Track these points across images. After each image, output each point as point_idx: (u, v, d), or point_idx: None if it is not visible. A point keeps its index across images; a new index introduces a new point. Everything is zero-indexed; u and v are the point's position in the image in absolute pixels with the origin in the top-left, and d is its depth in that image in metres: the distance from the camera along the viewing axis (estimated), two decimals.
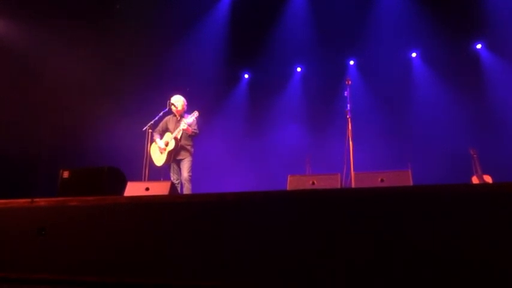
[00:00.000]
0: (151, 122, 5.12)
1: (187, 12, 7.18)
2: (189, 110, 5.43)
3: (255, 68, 8.19)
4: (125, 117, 6.42)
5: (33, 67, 6.00)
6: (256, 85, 8.23)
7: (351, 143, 4.45)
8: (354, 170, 4.17)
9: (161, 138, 5.31)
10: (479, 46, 7.04)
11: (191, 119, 5.13)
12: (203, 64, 7.49)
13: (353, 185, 3.47)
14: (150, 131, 5.10)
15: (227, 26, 7.68)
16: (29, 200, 2.74)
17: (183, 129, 5.10)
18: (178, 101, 5.35)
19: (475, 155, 5.47)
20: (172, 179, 5.16)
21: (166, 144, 5.18)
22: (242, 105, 8.22)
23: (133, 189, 3.51)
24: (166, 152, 5.16)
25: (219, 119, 7.64)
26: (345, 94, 4.78)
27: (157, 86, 6.89)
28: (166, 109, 5.27)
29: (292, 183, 3.38)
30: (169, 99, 5.33)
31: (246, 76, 8.44)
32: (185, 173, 5.10)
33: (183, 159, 5.19)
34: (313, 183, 3.31)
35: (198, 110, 5.25)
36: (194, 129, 5.19)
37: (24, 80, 5.91)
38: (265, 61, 7.72)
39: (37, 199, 2.75)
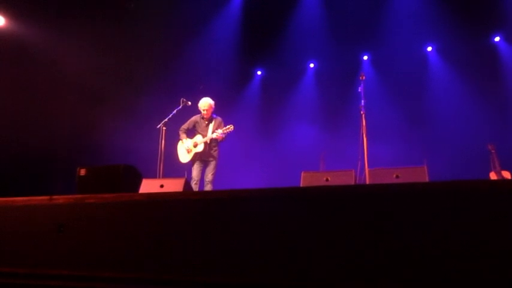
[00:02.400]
0: (165, 120, 5.18)
1: (199, 10, 7.20)
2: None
3: (268, 65, 8.16)
4: (140, 115, 6.50)
5: (50, 66, 6.12)
6: (269, 82, 8.22)
7: (365, 139, 4.41)
8: (368, 166, 4.13)
9: (187, 136, 5.45)
10: (497, 39, 6.85)
11: (225, 132, 5.22)
12: (216, 61, 7.51)
13: (367, 182, 3.44)
14: (164, 128, 5.16)
15: (239, 23, 7.67)
16: (48, 197, 2.80)
17: (213, 138, 5.24)
18: (204, 103, 5.41)
19: (493, 150, 5.34)
20: (193, 175, 5.31)
21: (195, 145, 5.29)
22: (255, 102, 8.22)
23: (148, 186, 3.56)
24: (193, 153, 5.32)
25: (232, 116, 7.63)
26: (359, 90, 4.75)
27: (171, 83, 6.95)
28: (180, 107, 5.32)
29: (306, 179, 3.36)
30: (183, 97, 5.39)
31: (259, 73, 8.42)
32: (209, 174, 5.30)
33: (210, 162, 5.35)
34: (327, 179, 3.29)
35: (216, 112, 5.42)
36: (224, 137, 5.27)
37: (42, 79, 6.03)
38: (277, 57, 7.69)
39: (55, 196, 2.81)
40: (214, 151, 5.38)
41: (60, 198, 2.79)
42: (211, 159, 5.35)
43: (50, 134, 6.13)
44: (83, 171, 3.36)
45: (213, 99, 5.54)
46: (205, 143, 5.30)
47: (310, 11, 7.53)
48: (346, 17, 7.02)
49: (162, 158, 5.03)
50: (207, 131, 5.36)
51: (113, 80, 6.73)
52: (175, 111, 5.29)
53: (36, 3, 5.96)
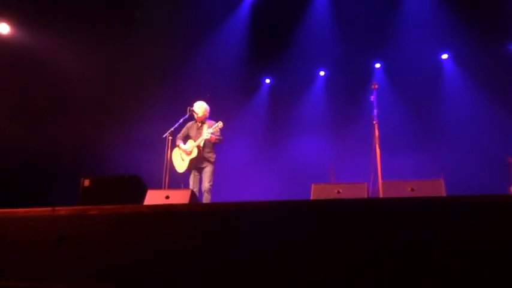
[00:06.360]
0: (172, 129, 5.19)
1: (207, 17, 7.28)
2: (210, 115, 5.50)
3: (277, 73, 8.19)
4: (146, 124, 6.54)
5: (52, 73, 6.21)
6: (277, 90, 8.23)
7: (378, 150, 4.37)
8: (381, 178, 4.09)
9: (184, 144, 5.43)
10: None
11: (214, 129, 5.18)
12: (223, 69, 7.55)
13: (381, 195, 3.39)
14: (170, 138, 5.17)
15: (248, 30, 7.72)
16: (50, 208, 2.82)
17: (206, 139, 5.18)
18: (199, 107, 5.44)
19: None
20: (190, 186, 5.25)
21: (189, 153, 5.29)
22: (263, 110, 8.23)
23: (154, 197, 3.55)
24: (188, 160, 5.26)
25: (239, 125, 7.66)
26: (371, 99, 4.71)
27: (178, 92, 7.00)
28: (187, 116, 5.34)
29: (316, 192, 3.33)
30: (189, 106, 5.41)
31: (268, 81, 8.45)
32: (206, 182, 5.19)
33: (204, 168, 5.27)
34: (338, 192, 3.25)
35: (220, 119, 5.32)
36: (218, 136, 5.25)
37: (46, 86, 6.12)
38: (287, 65, 7.70)
39: (58, 208, 2.82)
40: (210, 156, 5.28)
41: (62, 210, 2.81)
42: (206, 164, 5.25)
43: (54, 143, 6.18)
44: (86, 182, 3.38)
45: (220, 108, 5.55)
46: (198, 146, 5.21)
47: (320, 17, 7.55)
48: (358, 24, 7.02)
49: (168, 168, 5.03)
50: (200, 134, 5.29)
51: (119, 88, 6.80)
52: (181, 120, 5.30)
53: (41, 11, 6.08)
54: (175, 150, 5.41)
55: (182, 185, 5.34)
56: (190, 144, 5.34)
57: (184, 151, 5.33)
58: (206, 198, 5.12)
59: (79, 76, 6.41)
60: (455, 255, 1.96)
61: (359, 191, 3.19)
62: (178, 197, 3.49)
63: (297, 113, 7.87)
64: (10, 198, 3.84)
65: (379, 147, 4.38)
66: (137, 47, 6.82)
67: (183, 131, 5.50)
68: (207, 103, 5.61)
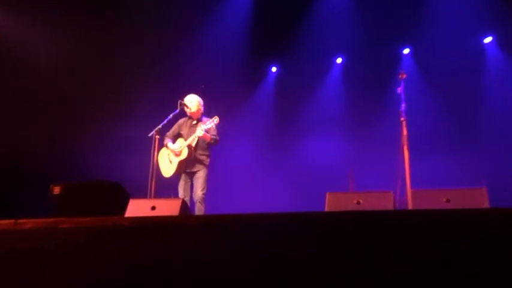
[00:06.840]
0: (159, 127, 5.21)
1: None
2: (206, 112, 5.52)
3: (285, 60, 8.20)
4: (128, 122, 6.56)
5: (24, 64, 6.25)
6: (286, 80, 8.25)
7: (406, 152, 4.39)
8: (410, 186, 4.10)
9: (173, 143, 5.46)
10: None
11: (209, 125, 5.20)
12: (222, 55, 7.56)
13: (410, 206, 3.41)
14: (157, 137, 5.19)
15: (250, 9, 7.74)
16: (12, 221, 2.82)
17: (200, 137, 5.19)
18: (192, 101, 5.46)
19: None
20: (179, 194, 5.28)
21: (178, 154, 5.28)
22: (268, 105, 8.25)
23: (137, 208, 3.57)
24: (177, 162, 5.27)
25: (239, 122, 7.68)
26: (398, 91, 4.76)
27: (168, 84, 7.02)
28: (177, 111, 5.36)
29: (332, 202, 3.35)
30: (181, 99, 5.43)
31: (274, 70, 8.46)
32: (198, 190, 5.22)
33: (196, 172, 5.28)
34: (358, 202, 3.27)
35: (217, 114, 5.34)
36: (213, 135, 5.27)
37: (15, 81, 6.17)
38: (297, 50, 7.72)
39: (22, 220, 2.83)
40: (203, 158, 5.33)
41: (27, 223, 2.81)
42: (198, 167, 5.29)
43: (19, 143, 6.21)
44: (57, 189, 3.40)
45: (218, 101, 5.58)
46: (189, 146, 5.24)
47: None
48: (382, 1, 7.02)
49: (154, 173, 5.04)
50: (193, 133, 5.32)
51: (99, 79, 6.82)
52: (171, 115, 5.33)
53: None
54: (163, 150, 5.44)
55: (172, 195, 5.35)
56: (180, 144, 5.35)
57: (173, 151, 5.35)
58: (199, 209, 5.13)
59: (50, 66, 6.44)
60: (501, 275, 1.95)
61: (383, 201, 3.21)
62: (167, 207, 3.51)
63: (308, 107, 7.88)
64: None
65: (408, 149, 4.40)
66: (121, 32, 6.85)
67: (174, 128, 5.54)
68: (201, 97, 5.62)
